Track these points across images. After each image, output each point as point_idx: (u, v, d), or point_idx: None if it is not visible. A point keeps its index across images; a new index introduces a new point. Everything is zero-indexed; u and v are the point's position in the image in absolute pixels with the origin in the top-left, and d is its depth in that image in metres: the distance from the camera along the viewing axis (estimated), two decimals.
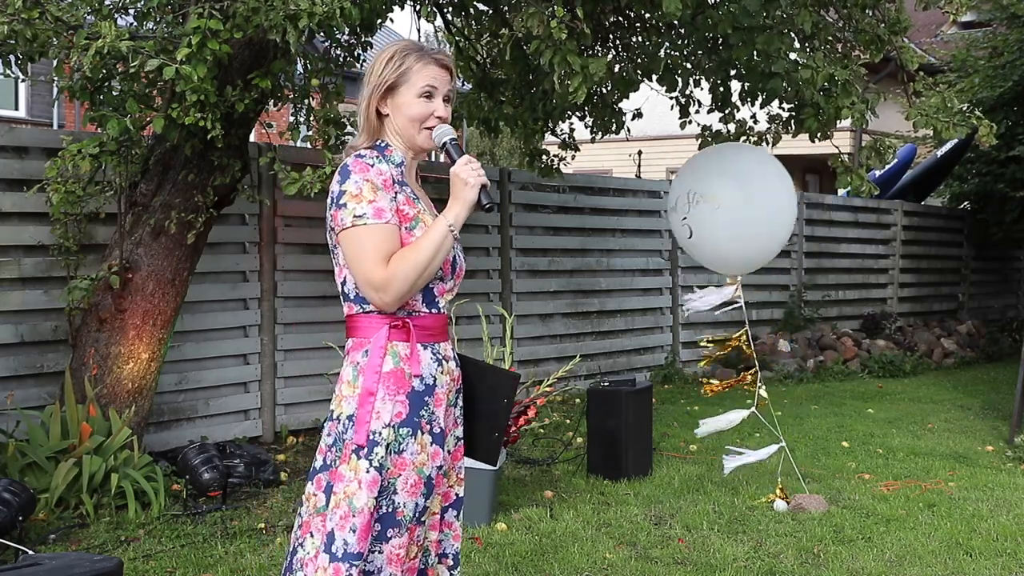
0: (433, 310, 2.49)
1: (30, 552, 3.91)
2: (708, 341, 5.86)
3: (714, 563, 4.39)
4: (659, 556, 4.48)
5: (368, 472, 2.37)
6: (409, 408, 2.41)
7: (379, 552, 2.42)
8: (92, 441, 4.96)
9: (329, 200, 2.45)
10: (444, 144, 2.53)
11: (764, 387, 5.56)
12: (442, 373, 2.49)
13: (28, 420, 5.06)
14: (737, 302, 5.50)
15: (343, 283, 2.49)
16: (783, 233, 5.53)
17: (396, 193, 2.43)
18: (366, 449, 2.38)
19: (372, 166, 2.41)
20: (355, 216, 2.37)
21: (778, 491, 5.36)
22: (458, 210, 2.42)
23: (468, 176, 2.42)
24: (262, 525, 4.83)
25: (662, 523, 5.02)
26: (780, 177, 5.51)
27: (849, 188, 6.48)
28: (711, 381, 5.81)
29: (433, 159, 8.00)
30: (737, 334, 5.63)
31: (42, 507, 4.70)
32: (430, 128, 2.50)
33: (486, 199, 2.44)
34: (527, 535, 4.76)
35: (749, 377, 5.58)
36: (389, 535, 2.41)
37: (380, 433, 2.38)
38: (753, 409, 5.49)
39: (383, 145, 2.51)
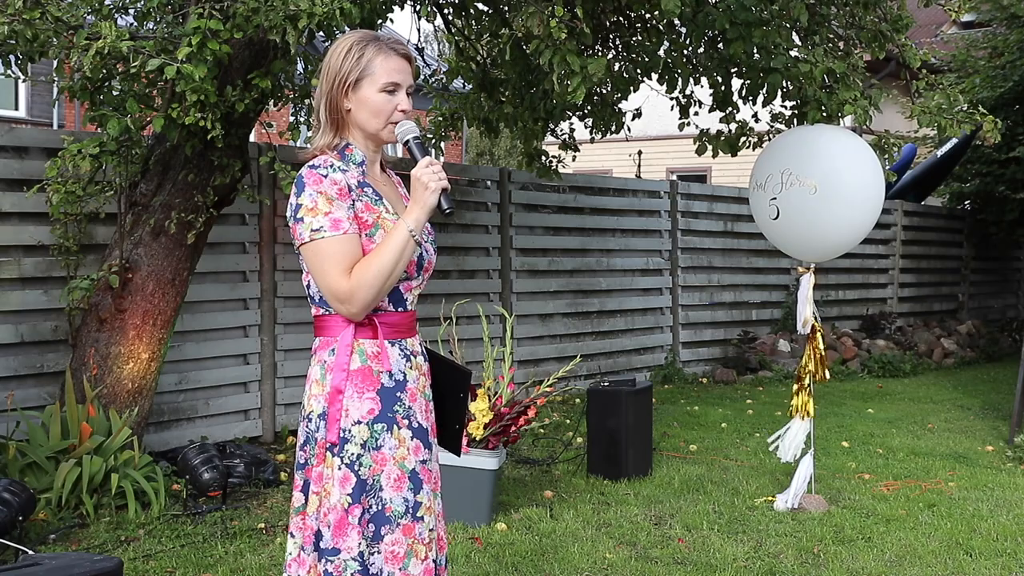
0: (400, 308, 2.49)
1: (30, 552, 3.90)
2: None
3: (714, 563, 4.39)
4: (659, 556, 4.48)
5: (340, 469, 2.39)
6: (381, 404, 2.42)
7: (377, 553, 2.42)
8: (92, 441, 4.96)
9: (288, 212, 2.44)
10: (407, 142, 2.48)
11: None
12: (411, 368, 2.50)
13: (28, 420, 5.06)
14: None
15: (307, 286, 2.51)
16: (871, 219, 5.35)
17: (354, 200, 2.41)
18: (338, 447, 2.40)
19: (325, 176, 2.38)
20: (312, 230, 2.36)
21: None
22: (418, 214, 2.39)
23: (429, 180, 2.38)
24: (262, 525, 4.83)
25: (662, 523, 5.02)
26: (871, 162, 5.32)
27: None
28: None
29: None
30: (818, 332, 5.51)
31: (42, 507, 4.70)
32: (395, 123, 2.47)
33: (447, 203, 2.40)
34: (527, 535, 4.76)
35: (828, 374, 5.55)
36: (382, 533, 2.42)
37: (350, 431, 2.40)
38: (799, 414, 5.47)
39: (344, 144, 2.49)
